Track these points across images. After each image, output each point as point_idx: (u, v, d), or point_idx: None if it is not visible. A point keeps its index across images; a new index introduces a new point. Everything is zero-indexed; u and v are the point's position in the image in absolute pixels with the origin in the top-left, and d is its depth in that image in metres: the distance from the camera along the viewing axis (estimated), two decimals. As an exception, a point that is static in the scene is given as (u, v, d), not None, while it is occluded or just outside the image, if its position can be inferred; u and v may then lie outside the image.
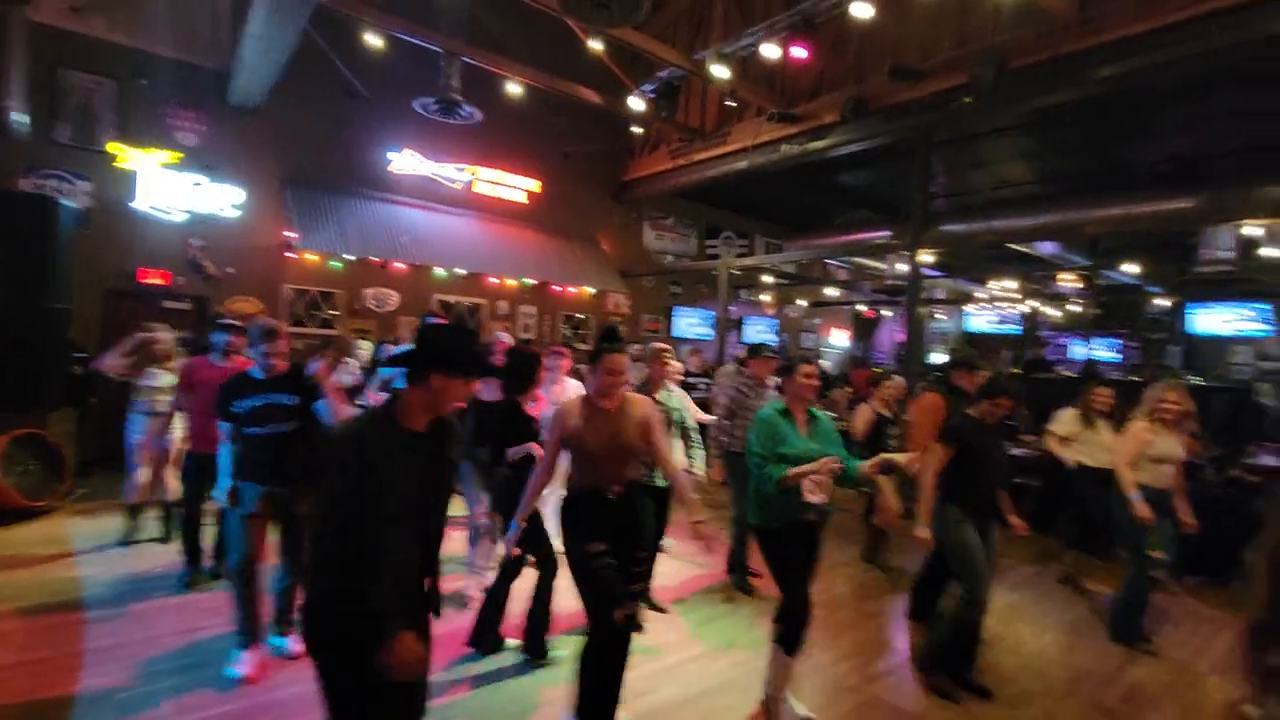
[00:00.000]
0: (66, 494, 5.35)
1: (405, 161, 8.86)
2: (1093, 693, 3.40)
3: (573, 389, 4.96)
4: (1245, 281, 8.45)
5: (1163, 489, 3.81)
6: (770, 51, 6.46)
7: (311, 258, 8.05)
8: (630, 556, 2.60)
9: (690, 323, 12.45)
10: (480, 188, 9.58)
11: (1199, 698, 3.40)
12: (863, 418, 5.02)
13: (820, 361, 3.09)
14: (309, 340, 7.87)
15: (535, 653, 3.29)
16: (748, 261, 11.19)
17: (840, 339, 16.17)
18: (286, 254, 7.98)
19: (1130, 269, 11.38)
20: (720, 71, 6.88)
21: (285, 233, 7.92)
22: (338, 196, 8.37)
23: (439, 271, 9.01)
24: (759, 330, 13.80)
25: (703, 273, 11.80)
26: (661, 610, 4.00)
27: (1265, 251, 7.87)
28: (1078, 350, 15.16)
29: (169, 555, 4.30)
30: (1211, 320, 12.87)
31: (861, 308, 15.68)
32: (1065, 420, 5.01)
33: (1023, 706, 3.20)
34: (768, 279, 13.25)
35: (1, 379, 5.16)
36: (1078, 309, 13.74)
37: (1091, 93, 5.80)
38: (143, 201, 7.01)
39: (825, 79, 7.62)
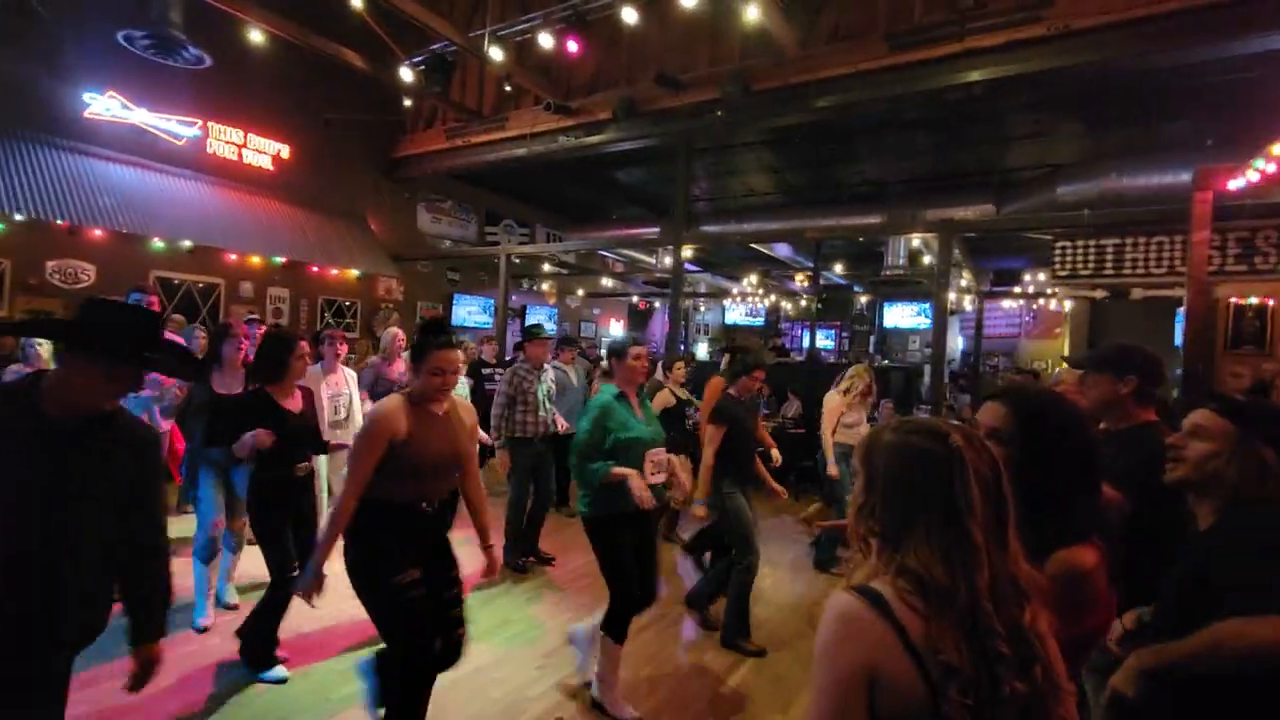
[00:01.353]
0: None
1: (107, 105, 7.19)
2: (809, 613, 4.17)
3: (350, 379, 4.58)
4: (915, 284, 10.85)
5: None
6: (545, 41, 6.58)
7: (-42, 215, 6.18)
8: (446, 577, 2.39)
9: (471, 310, 12.13)
10: (215, 147, 8.19)
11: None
12: (662, 401, 5.39)
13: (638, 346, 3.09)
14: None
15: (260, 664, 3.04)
16: (528, 249, 11.25)
17: (617, 329, 17.07)
18: (-86, 208, 6.02)
19: (840, 271, 13.86)
20: (496, 53, 6.82)
21: (-89, 179, 5.96)
22: (3, 140, 6.52)
23: (157, 243, 7.52)
24: (541, 319, 13.96)
25: (483, 259, 11.56)
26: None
27: (926, 259, 10.21)
28: (805, 339, 18.03)
29: None
30: (896, 315, 16.31)
31: (635, 299, 16.73)
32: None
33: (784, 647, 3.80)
34: (548, 268, 13.46)
35: None
36: (805, 304, 16.27)
37: (813, 119, 6.97)
38: None
39: (600, 77, 7.98)
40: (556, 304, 14.51)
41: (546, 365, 4.90)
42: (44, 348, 4.49)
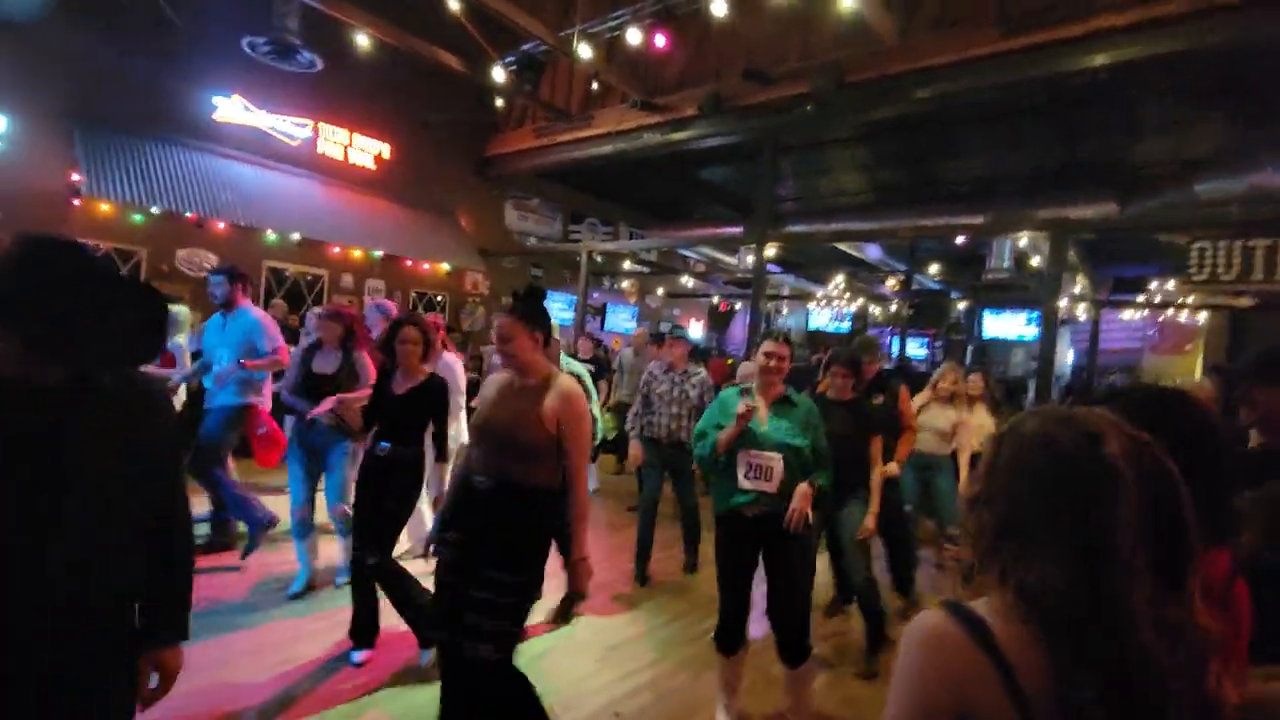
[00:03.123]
0: None
1: (232, 109, 7.85)
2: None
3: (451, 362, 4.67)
4: (1019, 289, 10.04)
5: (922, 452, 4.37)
6: (634, 37, 6.56)
7: (105, 208, 6.89)
8: (479, 576, 2.18)
9: (553, 308, 12.34)
10: (324, 147, 8.75)
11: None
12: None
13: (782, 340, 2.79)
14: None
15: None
16: (609, 246, 11.32)
17: (696, 330, 16.91)
18: (74, 201, 6.77)
19: (936, 274, 13.08)
20: (585, 51, 6.87)
21: (72, 175, 6.71)
22: (143, 140, 7.23)
23: (270, 235, 8.12)
24: (622, 318, 14.04)
25: (565, 257, 11.75)
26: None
27: (1034, 263, 9.42)
28: (895, 346, 17.16)
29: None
30: (998, 325, 15.18)
31: (716, 299, 16.50)
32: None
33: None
34: (629, 266, 13.51)
35: None
36: (895, 309, 15.47)
37: (911, 111, 6.57)
38: None
39: (687, 73, 7.89)
40: (637, 302, 14.54)
41: (687, 369, 4.52)
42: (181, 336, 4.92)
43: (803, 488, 2.54)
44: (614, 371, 7.22)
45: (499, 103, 9.36)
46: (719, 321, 18.06)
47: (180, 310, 5.09)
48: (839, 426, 3.20)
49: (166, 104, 7.45)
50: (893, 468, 3.75)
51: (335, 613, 3.35)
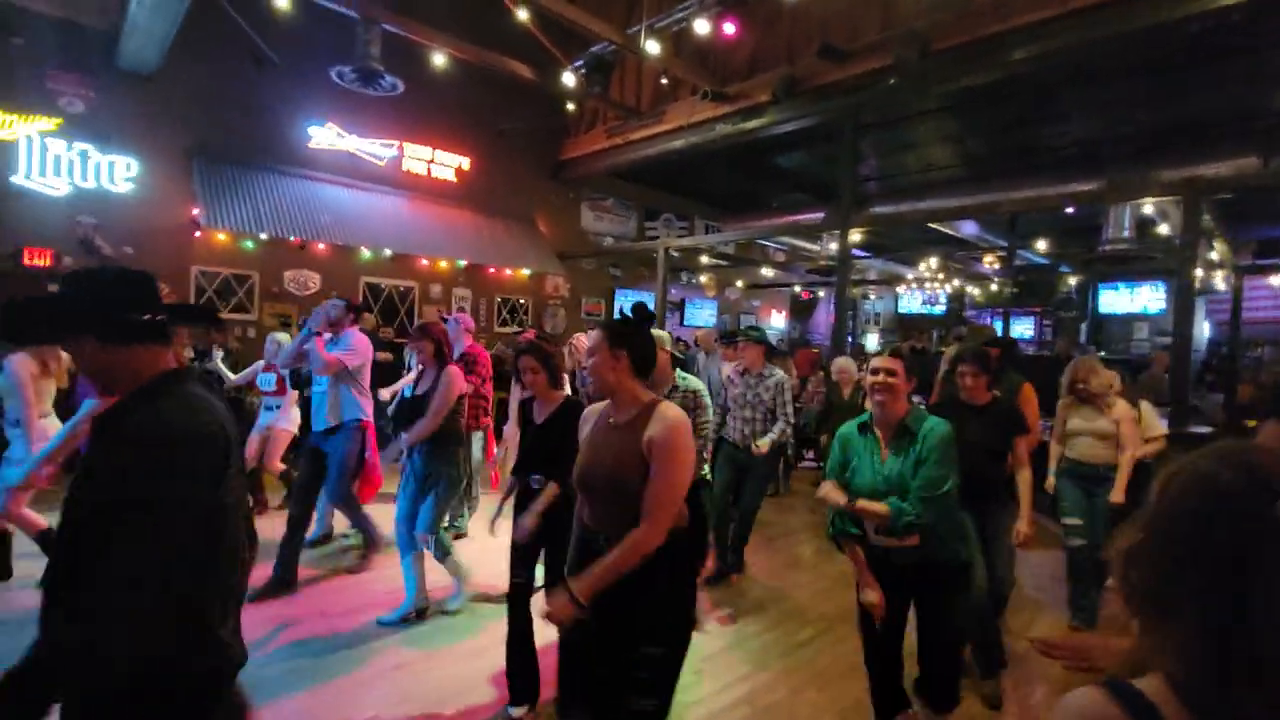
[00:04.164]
0: None
1: (325, 136, 8.37)
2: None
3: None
4: (1143, 259, 9.04)
5: (1082, 461, 3.80)
6: (702, 28, 6.40)
7: (222, 237, 7.53)
8: (610, 645, 1.95)
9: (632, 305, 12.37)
10: (409, 165, 9.17)
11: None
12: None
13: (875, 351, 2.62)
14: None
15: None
16: (686, 242, 11.19)
17: (779, 320, 16.48)
18: (195, 234, 7.45)
19: (1043, 249, 12.03)
20: (653, 47, 6.79)
21: (192, 210, 7.38)
22: (250, 171, 7.85)
23: (365, 253, 8.60)
24: (704, 312, 13.88)
25: (643, 254, 11.74)
26: None
27: (1161, 230, 8.45)
28: (998, 328, 15.98)
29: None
30: (1116, 299, 13.79)
31: (798, 289, 16.01)
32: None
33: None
34: (706, 260, 13.33)
35: None
36: (995, 288, 14.40)
37: (1007, 75, 6.03)
38: (24, 175, 6.37)
39: (758, 58, 7.64)
40: (716, 296, 14.34)
41: (762, 371, 4.31)
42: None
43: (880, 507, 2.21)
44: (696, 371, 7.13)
45: (570, 106, 9.44)
46: (802, 311, 17.53)
47: (281, 336, 5.34)
48: (976, 434, 2.87)
49: (268, 136, 8.04)
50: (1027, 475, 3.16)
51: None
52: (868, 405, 2.42)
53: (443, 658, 3.16)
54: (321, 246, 8.21)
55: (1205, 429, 5.87)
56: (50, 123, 6.47)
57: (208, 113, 7.58)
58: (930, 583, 2.28)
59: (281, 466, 5.10)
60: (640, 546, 1.73)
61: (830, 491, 2.33)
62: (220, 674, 1.31)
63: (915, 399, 2.66)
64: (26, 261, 6.52)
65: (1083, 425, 3.79)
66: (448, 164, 9.55)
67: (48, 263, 6.63)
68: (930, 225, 10.26)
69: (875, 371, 2.31)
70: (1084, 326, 14.03)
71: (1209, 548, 0.65)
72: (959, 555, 2.32)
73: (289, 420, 5.11)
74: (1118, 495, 3.58)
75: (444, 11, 7.74)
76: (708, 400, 3.47)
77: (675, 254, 10.85)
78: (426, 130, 9.27)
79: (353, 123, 8.54)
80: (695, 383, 3.43)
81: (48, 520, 3.56)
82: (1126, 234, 8.40)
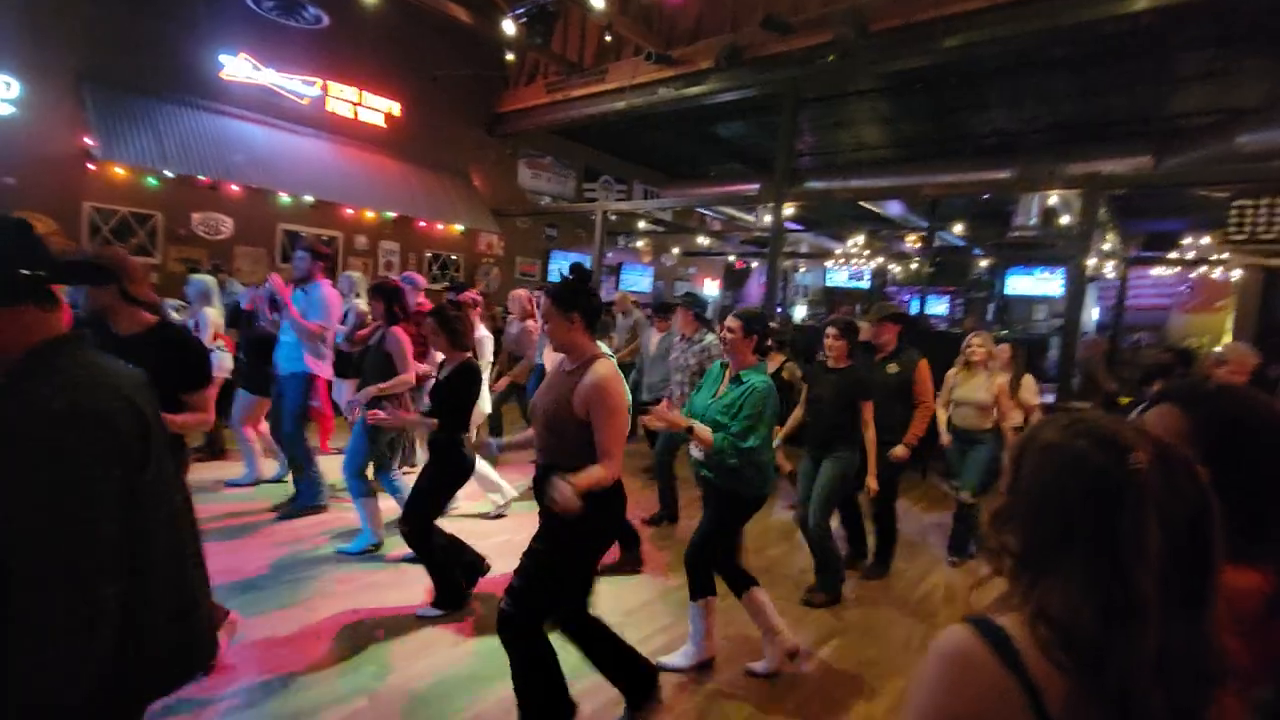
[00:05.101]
0: None
1: (239, 67, 7.71)
2: (902, 592, 3.95)
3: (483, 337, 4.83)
4: (1046, 246, 9.75)
5: (965, 428, 4.34)
6: (648, -14, 6.29)
7: (119, 171, 6.88)
8: (532, 548, 2.39)
9: (567, 267, 12.23)
10: (333, 106, 8.61)
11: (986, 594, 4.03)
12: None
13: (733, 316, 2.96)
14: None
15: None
16: (624, 206, 11.14)
17: (712, 288, 16.75)
18: (87, 165, 6.77)
19: (959, 232, 12.75)
20: (597, 1, 6.61)
21: (84, 139, 6.69)
22: (154, 101, 7.16)
23: (284, 197, 8.08)
24: (640, 278, 13.92)
25: (580, 216, 11.60)
26: None
27: (1064, 219, 9.12)
28: (915, 305, 16.87)
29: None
30: (1021, 282, 14.83)
31: (732, 258, 16.28)
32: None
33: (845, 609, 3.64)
34: (644, 225, 13.32)
35: None
36: (914, 267, 15.16)
37: (938, 61, 6.28)
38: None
39: (703, 24, 7.58)
40: (652, 262, 14.39)
41: (692, 336, 4.61)
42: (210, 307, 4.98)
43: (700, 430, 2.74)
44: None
45: (509, 57, 9.09)
46: (735, 280, 17.88)
47: (205, 279, 5.11)
48: (824, 391, 3.63)
49: (175, 63, 7.34)
50: (899, 450, 3.87)
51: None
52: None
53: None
54: (235, 188, 7.65)
55: (1083, 404, 6.48)
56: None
57: (103, 32, 6.82)
58: (727, 502, 2.86)
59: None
60: (603, 480, 2.05)
61: (673, 416, 2.76)
62: (147, 691, 1.21)
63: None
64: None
65: (965, 396, 4.29)
66: (377, 108, 9.03)
67: (-92, 189, 5.89)
68: (859, 203, 10.63)
69: (724, 329, 2.88)
70: (992, 306, 15.04)
71: (1080, 514, 0.76)
72: (757, 490, 2.86)
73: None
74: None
75: (375, -59, 7.22)
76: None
77: (613, 217, 10.78)
78: (354, 70, 8.70)
79: (272, 56, 7.90)
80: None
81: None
82: (1034, 221, 9.03)
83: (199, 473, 4.67)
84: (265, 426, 4.91)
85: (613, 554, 3.76)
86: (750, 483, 2.80)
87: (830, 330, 3.68)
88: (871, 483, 3.62)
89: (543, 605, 2.21)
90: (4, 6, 6.22)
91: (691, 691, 2.81)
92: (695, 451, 2.85)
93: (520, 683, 2.21)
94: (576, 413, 2.09)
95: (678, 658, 2.94)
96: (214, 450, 5.33)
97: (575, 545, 2.19)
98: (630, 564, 3.94)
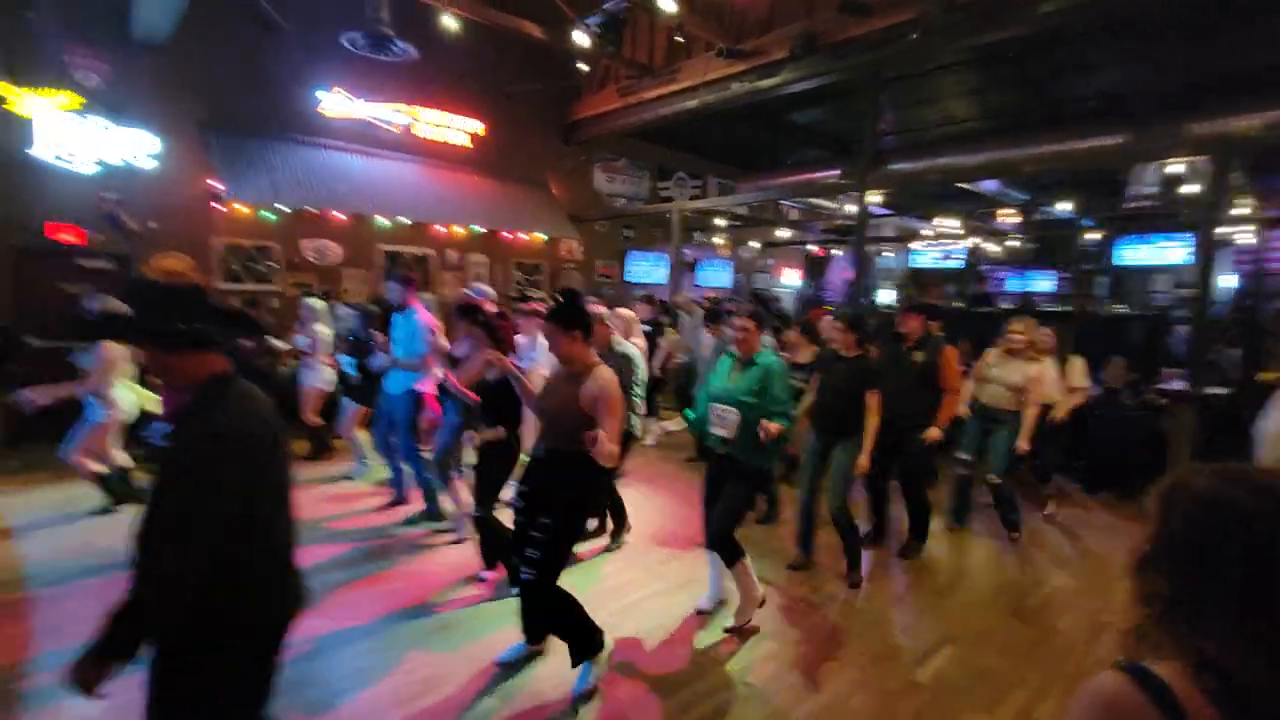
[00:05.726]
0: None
1: (336, 102, 8.29)
2: (1011, 600, 3.77)
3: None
4: (1168, 216, 8.87)
5: (991, 406, 4.43)
6: (718, -17, 6.23)
7: (242, 209, 7.58)
8: (535, 519, 2.68)
9: (644, 267, 12.37)
10: (421, 130, 9.09)
11: (1106, 601, 3.78)
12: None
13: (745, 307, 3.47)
14: (247, 295, 7.55)
15: None
16: (700, 204, 11.10)
17: (793, 278, 16.39)
18: (214, 205, 7.50)
19: (1065, 205, 11.81)
20: (667, 4, 6.62)
21: (210, 182, 7.42)
22: (266, 141, 7.83)
23: (382, 221, 8.63)
24: (716, 271, 13.82)
25: (656, 215, 11.66)
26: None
27: (1187, 189, 8.27)
28: (1016, 284, 15.80)
29: (115, 526, 4.20)
30: (1138, 252, 13.57)
31: (812, 247, 15.86)
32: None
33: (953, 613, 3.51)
34: (721, 221, 13.21)
35: (-94, 350, 4.79)
36: (1016, 244, 14.21)
37: (1034, 29, 5.85)
38: (43, 150, 6.41)
39: (775, 14, 7.43)
40: (730, 256, 14.25)
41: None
42: (320, 324, 5.51)
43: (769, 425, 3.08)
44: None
45: (582, 67, 9.26)
46: (816, 269, 17.39)
47: (316, 303, 5.62)
48: (834, 380, 3.82)
49: (281, 104, 7.99)
50: (933, 433, 4.06)
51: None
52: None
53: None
54: (339, 215, 8.24)
55: (1222, 389, 5.89)
56: (67, 97, 6.46)
57: (220, 83, 7.54)
58: (734, 474, 3.21)
59: (317, 420, 5.63)
60: (614, 454, 2.51)
61: (774, 428, 3.12)
62: (268, 626, 1.57)
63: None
64: (50, 236, 6.63)
65: (997, 375, 4.36)
66: (462, 128, 9.45)
67: (75, 239, 6.73)
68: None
69: (737, 328, 3.29)
70: (1101, 280, 13.87)
71: (1238, 565, 0.74)
72: (757, 464, 3.22)
73: (320, 378, 5.55)
74: (1023, 443, 4.26)
75: (452, -30, 7.54)
76: (638, 363, 4.17)
77: (689, 215, 10.77)
78: (438, 95, 9.15)
79: (365, 89, 8.44)
80: (629, 347, 4.18)
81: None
82: (1150, 190, 8.24)
83: (309, 470, 5.49)
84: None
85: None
86: (770, 457, 3.18)
87: (836, 324, 4.02)
88: (863, 460, 3.70)
89: (558, 567, 2.67)
90: (139, 71, 6.98)
91: (811, 700, 2.81)
92: (721, 431, 3.18)
93: (557, 628, 2.74)
94: (582, 408, 2.55)
95: (741, 615, 3.28)
96: (321, 452, 5.91)
97: (574, 515, 2.67)
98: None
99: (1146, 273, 13.58)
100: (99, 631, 1.43)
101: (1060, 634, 3.45)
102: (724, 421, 3.17)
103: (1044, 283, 15.29)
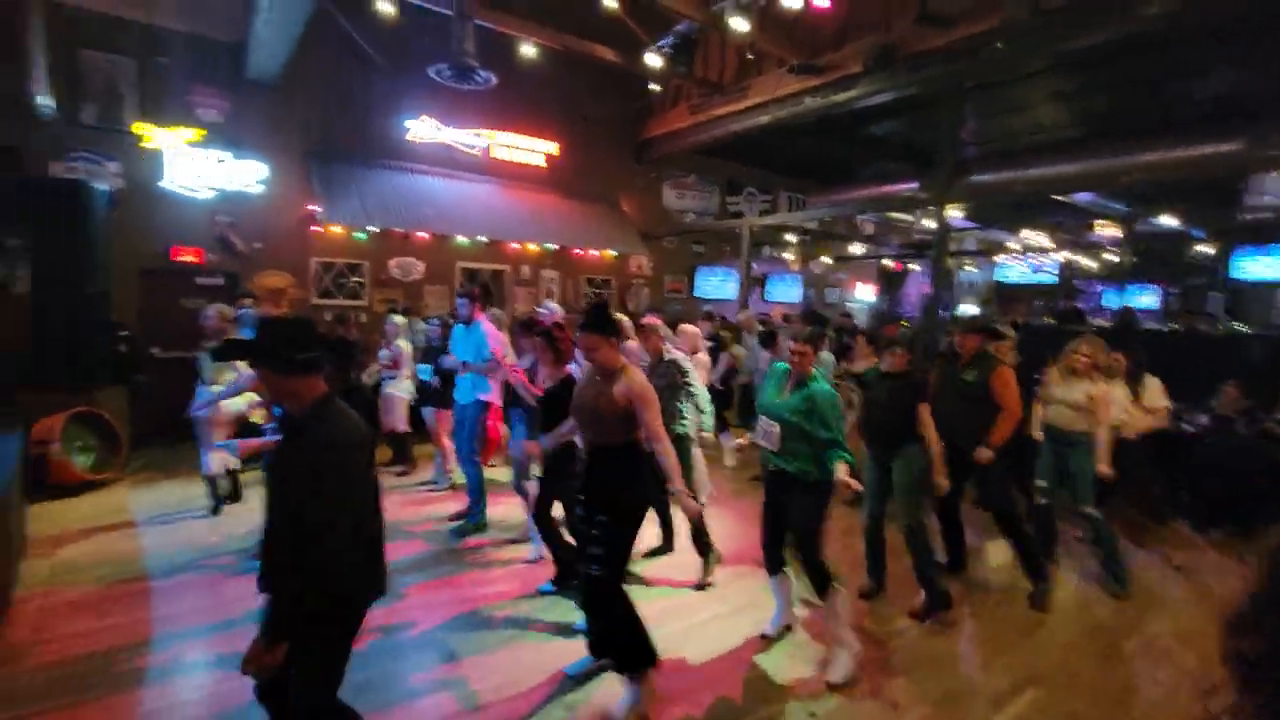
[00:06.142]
0: (123, 467, 5.67)
1: (423, 129, 8.81)
2: (1109, 643, 3.49)
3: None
4: (1294, 226, 8.05)
5: (1059, 427, 4.22)
6: (791, 0, 6.22)
7: (336, 230, 8.15)
8: (591, 520, 2.82)
9: (714, 282, 12.32)
10: (498, 153, 9.50)
11: (1214, 655, 3.44)
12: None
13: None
14: (338, 311, 8.08)
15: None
16: (769, 220, 11.02)
17: (866, 293, 15.92)
18: (312, 227, 8.10)
19: (1169, 216, 10.94)
20: (739, 24, 6.66)
21: (310, 206, 8.02)
22: (359, 168, 8.40)
23: (461, 239, 9.05)
24: (786, 287, 13.62)
25: (726, 231, 11.65)
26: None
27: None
28: (1113, 300, 14.72)
29: (226, 524, 4.59)
30: (1259, 266, 12.34)
31: (888, 261, 15.37)
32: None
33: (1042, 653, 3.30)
34: (791, 236, 13.04)
35: (49, 361, 5.43)
36: (1114, 258, 13.26)
37: (1135, 31, 5.50)
38: (170, 180, 7.14)
39: (849, 27, 7.32)
40: (801, 270, 14.02)
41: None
42: (401, 339, 5.84)
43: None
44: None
45: (654, 87, 9.42)
46: (892, 283, 16.83)
47: (398, 319, 5.96)
48: (878, 395, 3.81)
49: (373, 132, 8.57)
50: (984, 453, 3.88)
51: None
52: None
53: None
54: (423, 235, 8.72)
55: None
56: (193, 133, 7.17)
57: (322, 115, 8.18)
58: (789, 488, 3.21)
59: (405, 428, 5.97)
60: (670, 452, 2.74)
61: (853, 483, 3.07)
62: (362, 601, 1.95)
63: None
64: (174, 258, 7.35)
65: (1061, 395, 4.21)
66: (537, 150, 9.81)
67: (194, 259, 7.44)
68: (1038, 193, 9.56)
69: (793, 353, 3.24)
70: (1214, 296, 12.69)
71: None
72: (808, 475, 3.14)
73: (402, 389, 5.89)
74: (1104, 467, 4.08)
75: (531, 2, 7.89)
76: (690, 371, 4.25)
77: (759, 230, 10.70)
78: (515, 119, 9.54)
79: (448, 115, 8.92)
80: (677, 355, 4.33)
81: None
82: (1270, 199, 7.52)
83: (396, 479, 5.85)
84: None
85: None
86: (829, 469, 3.13)
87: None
88: (941, 480, 3.63)
89: (622, 565, 2.79)
90: (253, 107, 7.67)
91: (869, 736, 2.72)
92: (764, 443, 3.23)
93: (615, 632, 2.77)
94: (619, 405, 2.72)
95: (839, 670, 3.06)
96: (402, 459, 6.15)
97: (623, 505, 2.78)
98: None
99: (1271, 286, 12.34)
100: (264, 621, 1.77)
101: (1160, 686, 3.18)
102: (768, 435, 3.21)
103: (1146, 298, 14.17)
